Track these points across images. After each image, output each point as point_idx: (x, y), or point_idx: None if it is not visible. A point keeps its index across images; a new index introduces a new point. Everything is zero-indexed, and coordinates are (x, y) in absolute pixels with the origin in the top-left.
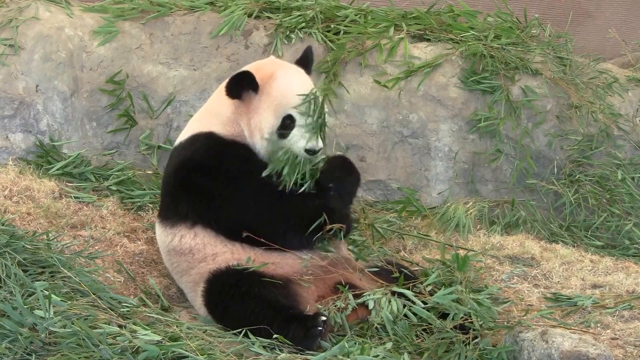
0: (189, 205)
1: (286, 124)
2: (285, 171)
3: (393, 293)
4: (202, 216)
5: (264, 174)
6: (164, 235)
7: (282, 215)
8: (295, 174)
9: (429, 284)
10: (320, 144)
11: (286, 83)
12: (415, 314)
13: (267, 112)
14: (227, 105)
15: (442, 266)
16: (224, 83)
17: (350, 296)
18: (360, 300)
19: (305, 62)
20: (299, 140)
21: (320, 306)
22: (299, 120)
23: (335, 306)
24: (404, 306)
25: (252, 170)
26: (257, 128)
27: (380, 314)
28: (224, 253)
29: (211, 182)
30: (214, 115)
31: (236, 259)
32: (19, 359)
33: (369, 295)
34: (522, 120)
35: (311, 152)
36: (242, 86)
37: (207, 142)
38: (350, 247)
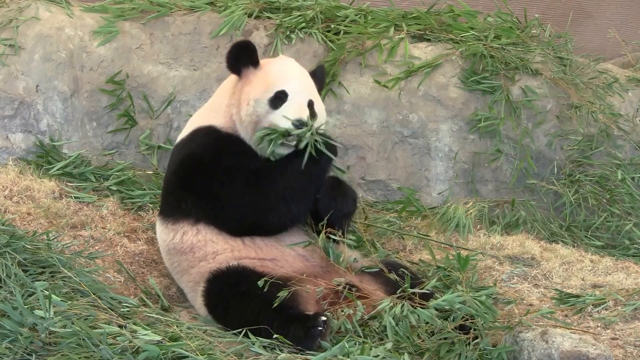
0: (192, 203)
1: (279, 97)
2: (265, 143)
3: (401, 298)
4: (205, 213)
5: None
6: (164, 233)
7: (280, 196)
8: (273, 146)
9: (432, 286)
10: (307, 117)
11: (286, 65)
12: (417, 316)
13: (262, 83)
14: (225, 94)
15: (439, 269)
16: (225, 81)
17: (359, 303)
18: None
19: (314, 75)
20: (288, 112)
21: (329, 314)
22: (292, 96)
23: (343, 313)
24: (408, 309)
25: (247, 164)
26: (245, 98)
27: (384, 318)
28: (225, 251)
29: (212, 179)
30: (213, 110)
31: (236, 258)
32: (19, 359)
33: (382, 304)
34: (522, 120)
35: (299, 123)
36: (241, 57)
37: (206, 137)
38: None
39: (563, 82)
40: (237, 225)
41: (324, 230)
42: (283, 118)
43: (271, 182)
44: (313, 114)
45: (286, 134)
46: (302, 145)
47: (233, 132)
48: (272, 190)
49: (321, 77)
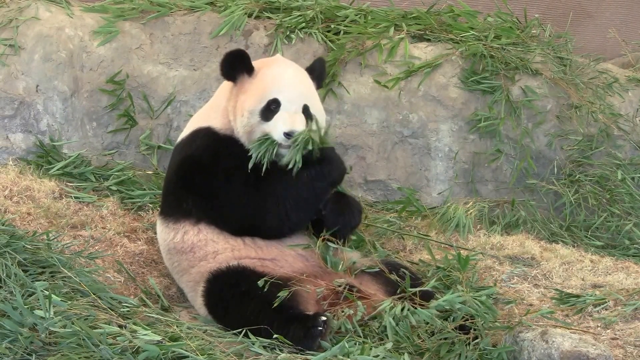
0: (192, 203)
1: (271, 108)
2: (255, 154)
3: (401, 298)
4: (206, 213)
5: (249, 165)
6: (165, 233)
7: (278, 198)
8: (266, 158)
9: (432, 286)
10: (299, 127)
11: (280, 70)
12: (417, 316)
13: (255, 93)
14: (224, 95)
15: (439, 269)
16: (225, 82)
17: (359, 303)
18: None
19: (312, 70)
20: (279, 124)
21: (329, 314)
22: (284, 105)
23: (343, 313)
24: (409, 309)
25: (246, 165)
26: (240, 108)
27: (384, 318)
28: (225, 251)
29: (211, 179)
30: (213, 110)
31: (236, 257)
32: (19, 359)
33: (382, 304)
34: (522, 120)
35: (289, 135)
36: (235, 65)
37: (205, 139)
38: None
39: (563, 82)
40: (237, 226)
41: (322, 237)
42: (275, 129)
43: (270, 184)
44: (309, 117)
45: (277, 145)
46: (297, 150)
47: (232, 134)
48: (271, 192)
49: (320, 71)
